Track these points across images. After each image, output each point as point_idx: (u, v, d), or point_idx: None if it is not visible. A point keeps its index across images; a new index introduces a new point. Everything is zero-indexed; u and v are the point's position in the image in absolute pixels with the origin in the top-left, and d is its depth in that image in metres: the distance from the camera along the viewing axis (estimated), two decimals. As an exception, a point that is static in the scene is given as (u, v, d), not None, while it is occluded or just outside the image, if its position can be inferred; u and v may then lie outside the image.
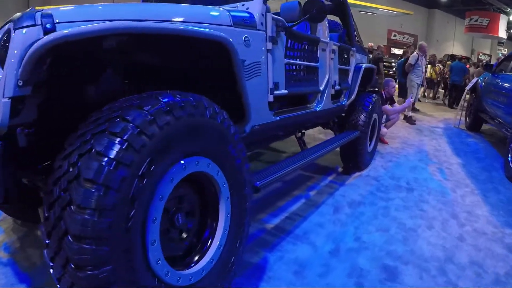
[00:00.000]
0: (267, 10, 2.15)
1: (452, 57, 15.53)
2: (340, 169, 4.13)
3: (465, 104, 7.96)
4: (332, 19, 4.30)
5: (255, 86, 2.04)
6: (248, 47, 1.98)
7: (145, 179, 1.17)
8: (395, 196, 3.48)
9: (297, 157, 2.65)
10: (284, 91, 2.36)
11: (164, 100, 1.29)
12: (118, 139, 1.12)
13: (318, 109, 2.96)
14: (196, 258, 1.52)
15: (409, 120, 7.47)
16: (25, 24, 1.19)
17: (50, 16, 1.22)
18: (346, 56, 3.57)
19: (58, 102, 1.48)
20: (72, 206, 1.06)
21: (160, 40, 1.53)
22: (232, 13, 1.91)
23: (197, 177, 1.52)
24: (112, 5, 1.45)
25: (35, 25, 1.19)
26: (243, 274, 2.17)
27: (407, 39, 23.95)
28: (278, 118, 2.36)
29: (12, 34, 1.19)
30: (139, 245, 1.19)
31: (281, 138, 3.17)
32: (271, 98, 2.20)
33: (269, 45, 2.14)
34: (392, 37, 23.34)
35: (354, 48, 3.75)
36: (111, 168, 1.08)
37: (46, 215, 1.13)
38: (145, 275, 1.22)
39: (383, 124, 5.54)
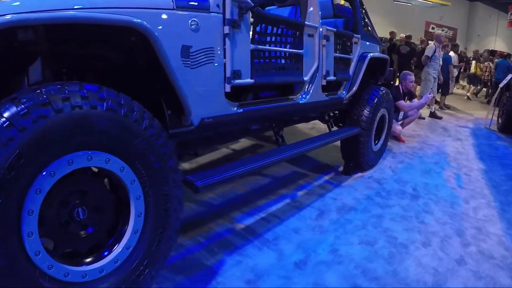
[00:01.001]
0: None
1: (492, 53, 14.51)
2: (340, 169, 3.88)
3: (497, 102, 7.35)
4: (344, 4, 4.05)
5: (204, 74, 1.89)
6: (196, 32, 1.82)
7: (13, 172, 1.14)
8: (395, 203, 3.20)
9: (258, 157, 2.47)
10: (249, 80, 2.18)
11: (44, 91, 1.21)
12: None
13: (302, 101, 2.74)
14: (97, 256, 1.45)
15: (433, 115, 7.07)
16: None
17: None
18: (347, 44, 3.30)
19: None
20: None
21: (74, 30, 1.44)
22: (176, -6, 1.76)
23: (106, 174, 1.45)
24: None
25: None
26: (191, 276, 2.06)
27: (446, 32, 22.55)
28: (241, 110, 2.19)
29: None
30: (14, 235, 1.18)
31: (259, 132, 2.99)
32: (228, 88, 2.04)
33: (227, 29, 1.97)
34: (430, 30, 22.06)
35: (359, 36, 3.45)
36: None
37: None
38: (25, 265, 1.22)
39: (400, 122, 5.20)
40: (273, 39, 2.38)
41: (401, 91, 5.17)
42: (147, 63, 1.73)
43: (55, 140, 1.23)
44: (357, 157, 3.63)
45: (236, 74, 2.08)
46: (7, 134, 1.13)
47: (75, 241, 1.42)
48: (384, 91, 3.74)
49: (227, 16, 1.96)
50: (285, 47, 2.47)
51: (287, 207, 3.03)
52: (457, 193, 3.57)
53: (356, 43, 3.43)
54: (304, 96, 2.78)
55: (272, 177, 3.73)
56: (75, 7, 1.36)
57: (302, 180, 3.63)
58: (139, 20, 1.49)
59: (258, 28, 2.24)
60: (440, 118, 7.36)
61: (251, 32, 2.20)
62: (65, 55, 1.69)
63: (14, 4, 1.28)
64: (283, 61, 2.52)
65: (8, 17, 1.23)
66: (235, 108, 2.16)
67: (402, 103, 4.96)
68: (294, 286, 2.04)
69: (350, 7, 3.70)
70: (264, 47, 2.30)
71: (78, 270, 1.36)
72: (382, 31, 17.71)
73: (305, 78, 2.69)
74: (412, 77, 5.41)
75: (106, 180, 1.52)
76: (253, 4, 2.06)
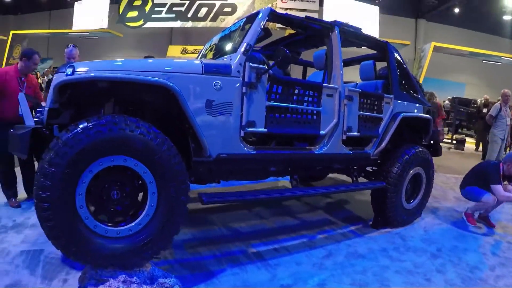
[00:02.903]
0: (248, 60, 2.86)
1: None
2: (371, 222, 4.28)
3: None
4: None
5: (222, 121, 2.75)
6: (219, 91, 2.71)
7: (68, 170, 2.17)
8: (408, 258, 3.47)
9: (263, 192, 3.20)
10: (263, 129, 2.95)
11: (103, 118, 2.22)
12: (59, 143, 2.17)
13: (318, 152, 3.40)
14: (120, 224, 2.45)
15: None
16: (60, 71, 2.50)
17: (72, 66, 2.37)
18: (376, 103, 3.88)
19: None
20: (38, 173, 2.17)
21: (132, 84, 2.47)
22: (205, 63, 2.69)
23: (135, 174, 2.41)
24: (105, 61, 2.59)
25: (64, 72, 2.40)
26: (195, 273, 2.89)
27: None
28: (254, 152, 2.97)
29: (54, 76, 2.45)
30: (71, 206, 2.21)
31: (276, 175, 3.67)
32: (242, 133, 2.86)
33: (245, 89, 2.83)
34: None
35: (391, 96, 4.01)
36: (51, 158, 2.14)
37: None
38: (80, 225, 2.26)
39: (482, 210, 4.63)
40: (289, 97, 3.16)
41: (501, 172, 4.47)
42: (179, 109, 2.66)
43: (105, 145, 2.23)
44: (384, 212, 4.02)
45: (250, 123, 2.88)
46: (78, 137, 2.17)
47: (110, 212, 2.42)
48: (419, 150, 4.14)
49: (246, 79, 2.81)
50: (301, 105, 3.21)
51: (301, 244, 3.61)
52: (485, 260, 3.63)
53: (388, 103, 3.97)
54: (321, 147, 3.43)
55: (302, 220, 4.35)
56: (131, 70, 2.40)
57: (327, 227, 4.15)
58: (171, 84, 2.44)
59: (274, 88, 3.05)
60: None
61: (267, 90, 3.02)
62: (126, 99, 2.74)
63: (95, 66, 2.38)
64: (299, 116, 3.25)
65: (92, 74, 2.35)
66: (249, 149, 2.94)
67: (498, 188, 4.33)
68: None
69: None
70: (279, 104, 3.08)
71: (113, 229, 2.38)
72: (475, 93, 16.98)
73: (322, 132, 3.36)
74: None
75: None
76: (266, 68, 2.90)
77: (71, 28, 20.83)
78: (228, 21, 18.72)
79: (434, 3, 19.10)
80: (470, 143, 12.16)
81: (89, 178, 2.27)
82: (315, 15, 18.33)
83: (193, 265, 3.01)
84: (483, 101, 11.43)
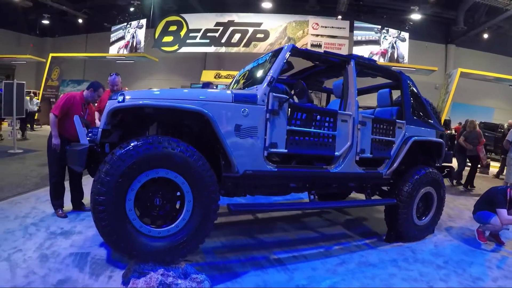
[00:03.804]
0: (272, 90, 3.45)
1: None
2: (384, 237, 4.72)
3: None
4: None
5: (249, 142, 3.32)
6: (246, 116, 3.30)
7: (121, 179, 2.72)
8: (416, 268, 3.86)
9: (283, 204, 3.73)
10: (283, 150, 3.50)
11: (150, 137, 2.85)
12: (113, 157, 2.76)
13: (333, 171, 3.92)
14: (161, 225, 3.03)
15: None
16: (113, 98, 3.07)
17: (123, 95, 2.96)
18: (388, 128, 4.36)
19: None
20: (95, 181, 2.77)
21: (174, 110, 3.09)
22: (235, 93, 3.30)
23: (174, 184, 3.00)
24: (150, 90, 3.23)
25: (116, 99, 2.95)
26: (223, 273, 3.38)
27: None
28: (276, 169, 3.53)
29: (108, 102, 3.00)
30: (121, 209, 2.82)
31: (296, 191, 4.18)
32: (266, 153, 3.42)
33: (268, 116, 3.41)
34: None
35: (403, 121, 4.49)
36: (107, 169, 2.71)
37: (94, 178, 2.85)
38: (129, 225, 2.85)
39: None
40: (307, 122, 3.70)
41: (509, 197, 4.78)
42: (212, 132, 3.25)
43: (151, 160, 2.84)
44: (396, 227, 4.45)
45: (273, 145, 3.44)
46: (130, 152, 2.76)
47: (153, 215, 2.97)
48: (429, 171, 4.57)
49: (269, 107, 3.39)
50: (318, 129, 3.76)
51: (318, 254, 4.08)
52: (490, 272, 3.93)
53: (400, 127, 4.45)
54: (336, 167, 3.94)
55: (321, 233, 4.82)
56: (173, 99, 3.03)
57: (344, 239, 4.61)
58: (206, 111, 3.05)
59: (294, 115, 3.61)
60: None
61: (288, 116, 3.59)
62: (167, 123, 3.38)
63: (142, 94, 3.07)
64: (316, 139, 3.78)
65: (140, 101, 2.97)
66: (271, 167, 3.50)
67: (503, 212, 4.65)
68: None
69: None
70: (298, 128, 3.63)
71: (155, 229, 2.98)
72: (504, 117, 16.95)
73: (337, 153, 3.88)
74: None
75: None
76: (287, 98, 3.47)
77: (107, 51, 22.20)
78: (260, 47, 19.66)
79: (463, 29, 19.42)
80: (494, 167, 12.25)
81: (137, 186, 2.88)
82: (345, 42, 19.08)
83: (221, 267, 3.54)
84: (508, 126, 11.59)
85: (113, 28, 22.58)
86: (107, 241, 2.89)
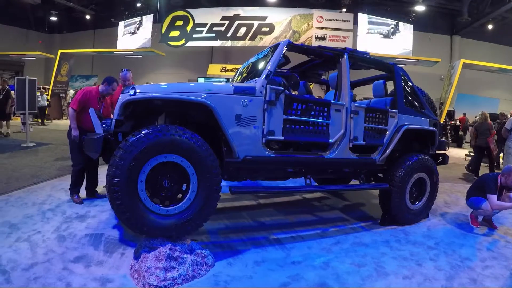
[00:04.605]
0: (269, 83, 3.72)
1: None
2: (379, 221, 4.99)
3: None
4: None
5: (249, 130, 3.61)
6: (246, 107, 3.59)
7: (133, 163, 3.04)
8: (406, 248, 4.12)
9: (280, 185, 4.02)
10: (280, 137, 3.78)
11: (158, 126, 3.17)
12: (127, 144, 3.08)
13: (328, 157, 4.19)
14: (169, 205, 3.36)
15: None
16: (125, 92, 3.43)
17: (134, 88, 3.29)
18: (381, 117, 4.62)
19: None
20: (111, 165, 3.08)
21: (180, 102, 3.40)
22: (235, 86, 3.60)
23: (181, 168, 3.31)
24: (158, 84, 3.52)
25: (127, 92, 3.30)
26: (225, 250, 3.69)
27: None
28: (273, 155, 3.82)
29: (121, 96, 3.35)
30: (134, 189, 3.14)
31: (293, 176, 4.48)
32: (264, 140, 3.71)
33: (266, 106, 3.69)
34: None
35: (396, 111, 4.74)
36: (121, 154, 3.03)
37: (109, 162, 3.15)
38: (140, 203, 3.19)
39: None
40: (302, 112, 3.98)
41: (499, 183, 4.97)
42: (215, 121, 3.55)
43: (160, 146, 3.14)
44: (390, 211, 4.72)
45: (270, 132, 3.73)
46: (141, 139, 3.08)
47: (162, 196, 3.31)
48: (421, 157, 4.83)
49: (267, 98, 3.68)
50: (312, 118, 4.04)
51: (315, 235, 4.38)
52: (479, 253, 4.11)
53: (393, 116, 4.71)
54: (331, 153, 4.22)
55: (319, 217, 5.13)
56: (179, 92, 3.33)
57: (341, 222, 4.90)
58: (209, 102, 3.35)
59: (289, 105, 3.88)
60: None
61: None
62: (175, 113, 3.69)
63: (152, 88, 3.40)
64: (311, 127, 4.06)
65: (150, 94, 3.30)
66: (270, 153, 3.79)
67: (492, 197, 4.84)
68: (281, 271, 3.43)
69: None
70: (294, 117, 3.91)
71: (164, 208, 3.30)
72: (509, 108, 17.06)
73: (331, 140, 4.15)
74: None
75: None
76: (283, 89, 3.74)
77: (114, 47, 22.60)
78: (266, 40, 19.92)
79: (468, 20, 19.44)
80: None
81: (148, 169, 3.20)
82: (350, 34, 19.25)
83: (223, 246, 3.86)
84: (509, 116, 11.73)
85: (120, 24, 22.99)
86: (121, 219, 3.21)
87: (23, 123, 10.04)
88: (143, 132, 3.18)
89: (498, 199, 4.96)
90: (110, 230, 4.09)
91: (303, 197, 6.07)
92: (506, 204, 4.90)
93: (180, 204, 3.35)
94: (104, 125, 4.00)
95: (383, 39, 19.75)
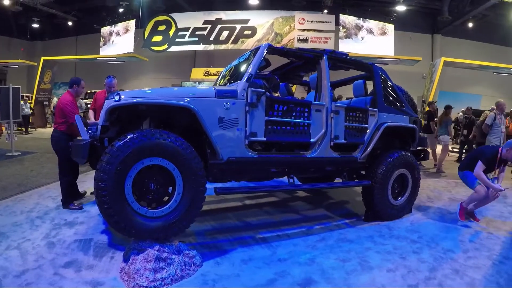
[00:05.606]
0: (250, 85, 3.83)
1: None
2: (363, 217, 5.12)
3: None
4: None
5: (232, 132, 3.71)
6: (228, 110, 3.69)
7: (120, 167, 3.12)
8: (390, 243, 4.24)
9: (263, 184, 4.14)
10: (262, 138, 3.90)
11: (144, 130, 3.26)
12: (113, 148, 3.15)
13: (310, 156, 4.32)
14: (156, 207, 3.43)
15: None
16: (110, 98, 3.47)
17: (119, 94, 3.37)
18: (361, 116, 4.76)
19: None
20: (98, 170, 3.16)
21: (164, 106, 3.49)
22: (217, 89, 3.70)
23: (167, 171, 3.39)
24: (142, 90, 3.59)
25: (112, 98, 3.38)
26: (211, 251, 3.76)
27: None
28: (255, 156, 3.92)
29: (106, 102, 3.43)
30: (121, 193, 3.21)
31: (277, 176, 4.61)
32: (247, 142, 3.82)
33: (248, 108, 3.80)
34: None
35: (375, 109, 4.89)
36: (108, 158, 3.12)
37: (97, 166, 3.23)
38: (127, 207, 3.25)
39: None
40: (283, 113, 4.10)
41: (499, 155, 4.99)
42: (198, 124, 3.64)
43: (146, 149, 3.22)
44: (373, 207, 4.87)
45: (253, 134, 3.84)
46: (127, 144, 3.17)
47: (149, 199, 3.39)
48: (402, 154, 4.99)
49: (248, 100, 3.79)
50: (294, 119, 4.16)
51: (300, 233, 4.49)
52: (462, 245, 4.21)
53: (373, 115, 4.86)
54: (313, 152, 4.34)
55: (304, 215, 5.25)
56: (163, 96, 3.42)
57: (325, 220, 5.03)
58: (192, 106, 3.44)
59: (271, 106, 4.00)
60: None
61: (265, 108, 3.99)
62: (159, 118, 3.77)
63: (136, 94, 3.47)
64: (292, 127, 4.18)
65: (134, 100, 3.39)
66: (252, 154, 3.90)
67: (479, 165, 4.88)
68: (267, 269, 3.52)
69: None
70: (275, 118, 4.02)
71: (151, 211, 3.39)
72: (491, 104, 17.54)
73: (312, 140, 4.28)
74: None
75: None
76: (263, 92, 3.86)
77: (97, 53, 22.48)
78: (248, 43, 20.06)
79: (449, 19, 19.86)
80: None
81: (134, 173, 3.29)
82: (331, 35, 19.50)
83: (211, 246, 3.95)
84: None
85: (102, 30, 22.92)
86: (109, 222, 3.28)
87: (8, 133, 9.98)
88: (128, 136, 3.26)
89: (495, 170, 5.06)
90: (98, 235, 4.15)
91: (288, 196, 6.19)
92: (487, 181, 4.97)
93: (166, 206, 3.43)
94: (90, 131, 4.06)
95: (365, 39, 20.05)
